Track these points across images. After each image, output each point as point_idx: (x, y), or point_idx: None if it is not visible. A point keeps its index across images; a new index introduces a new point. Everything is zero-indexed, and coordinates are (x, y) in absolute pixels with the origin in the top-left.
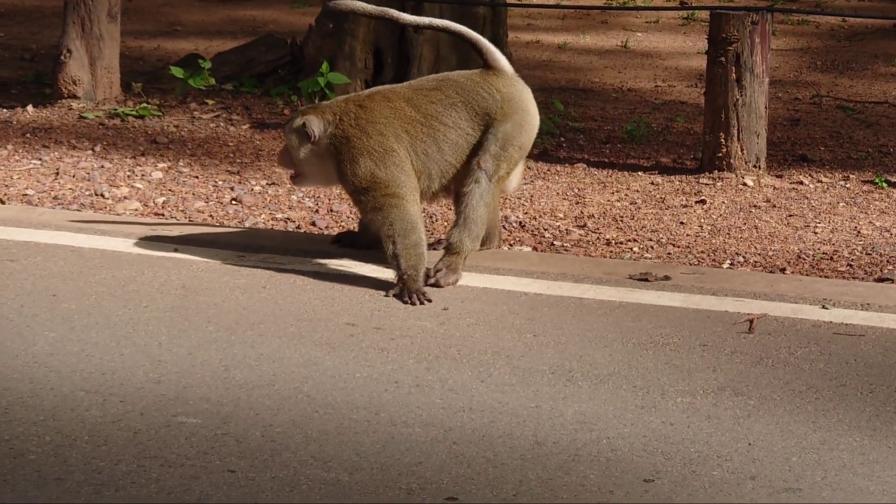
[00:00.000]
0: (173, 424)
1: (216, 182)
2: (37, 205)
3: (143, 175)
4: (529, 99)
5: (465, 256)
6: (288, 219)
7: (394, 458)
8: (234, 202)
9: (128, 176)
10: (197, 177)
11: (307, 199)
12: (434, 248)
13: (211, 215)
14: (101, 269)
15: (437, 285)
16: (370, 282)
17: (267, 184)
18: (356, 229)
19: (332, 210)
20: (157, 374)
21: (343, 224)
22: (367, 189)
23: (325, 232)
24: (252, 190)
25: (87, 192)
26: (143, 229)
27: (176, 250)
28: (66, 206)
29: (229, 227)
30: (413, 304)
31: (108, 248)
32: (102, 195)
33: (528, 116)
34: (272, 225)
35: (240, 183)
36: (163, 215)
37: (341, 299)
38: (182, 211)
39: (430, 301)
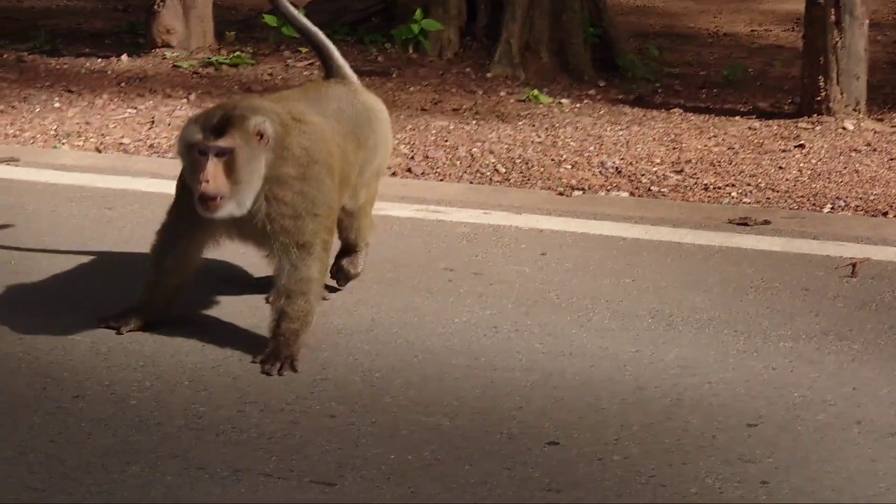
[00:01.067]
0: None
1: None
2: (133, 153)
3: None
4: (384, 110)
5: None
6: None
7: (494, 402)
8: None
9: None
10: None
11: (403, 146)
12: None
13: None
14: None
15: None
16: (468, 227)
17: None
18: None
19: (428, 157)
20: (256, 320)
21: (439, 171)
22: (311, 218)
23: (421, 178)
24: None
25: None
26: None
27: None
28: (161, 155)
29: None
30: (277, 374)
31: None
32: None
33: (388, 130)
34: None
35: None
36: None
37: (438, 245)
38: None
39: (296, 371)
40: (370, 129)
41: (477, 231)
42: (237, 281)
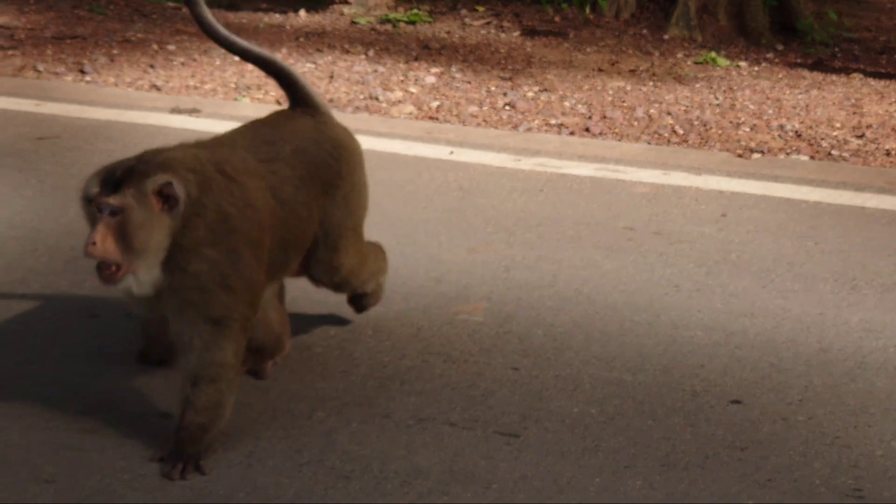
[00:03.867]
0: (455, 322)
1: (489, 87)
2: None
3: (416, 79)
4: (360, 147)
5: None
6: (561, 125)
7: (676, 360)
8: (507, 107)
9: (401, 80)
10: (469, 82)
11: (580, 106)
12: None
13: (485, 120)
14: (378, 171)
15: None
16: (647, 186)
17: (539, 90)
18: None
19: (606, 116)
20: (438, 273)
21: (617, 131)
22: (224, 290)
23: (599, 138)
24: (525, 95)
25: (361, 96)
26: (418, 132)
27: (452, 153)
28: (341, 109)
29: (504, 131)
30: (179, 478)
31: (386, 150)
32: (377, 98)
33: (363, 172)
34: (545, 130)
35: (512, 89)
36: (437, 119)
37: (618, 203)
38: (456, 115)
39: (203, 474)
40: (337, 173)
41: (657, 191)
42: (418, 235)
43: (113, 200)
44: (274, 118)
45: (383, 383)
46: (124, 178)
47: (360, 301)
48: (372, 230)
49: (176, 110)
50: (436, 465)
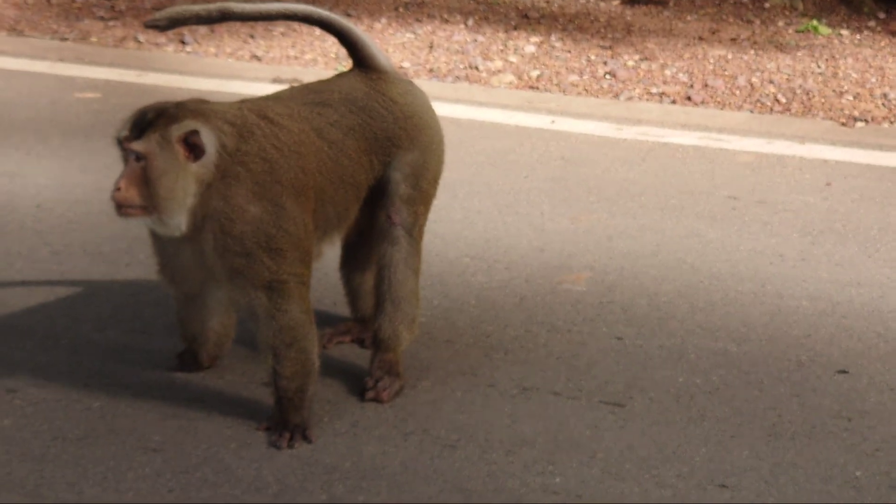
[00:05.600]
0: (558, 292)
1: (588, 57)
2: (413, 77)
3: (515, 49)
4: (431, 109)
5: (403, 349)
6: (662, 94)
7: (781, 329)
8: (607, 76)
9: (501, 50)
10: (569, 51)
11: (681, 74)
12: (341, 340)
13: (585, 89)
14: (479, 140)
15: (378, 400)
16: (751, 155)
17: (639, 59)
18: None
19: (707, 85)
20: (541, 243)
21: (719, 100)
22: (268, 254)
23: (701, 107)
24: (625, 64)
25: (461, 65)
26: (518, 101)
27: (553, 122)
28: (441, 79)
29: (605, 100)
30: (286, 447)
31: (486, 119)
32: (477, 68)
33: (435, 134)
34: (646, 99)
35: (612, 57)
36: (537, 88)
37: (721, 173)
38: (556, 84)
39: (310, 442)
40: (397, 133)
41: (760, 160)
42: (520, 205)
43: (136, 146)
44: (331, 77)
45: (487, 353)
46: (152, 123)
47: (383, 372)
48: (473, 200)
49: (277, 80)
50: (541, 434)
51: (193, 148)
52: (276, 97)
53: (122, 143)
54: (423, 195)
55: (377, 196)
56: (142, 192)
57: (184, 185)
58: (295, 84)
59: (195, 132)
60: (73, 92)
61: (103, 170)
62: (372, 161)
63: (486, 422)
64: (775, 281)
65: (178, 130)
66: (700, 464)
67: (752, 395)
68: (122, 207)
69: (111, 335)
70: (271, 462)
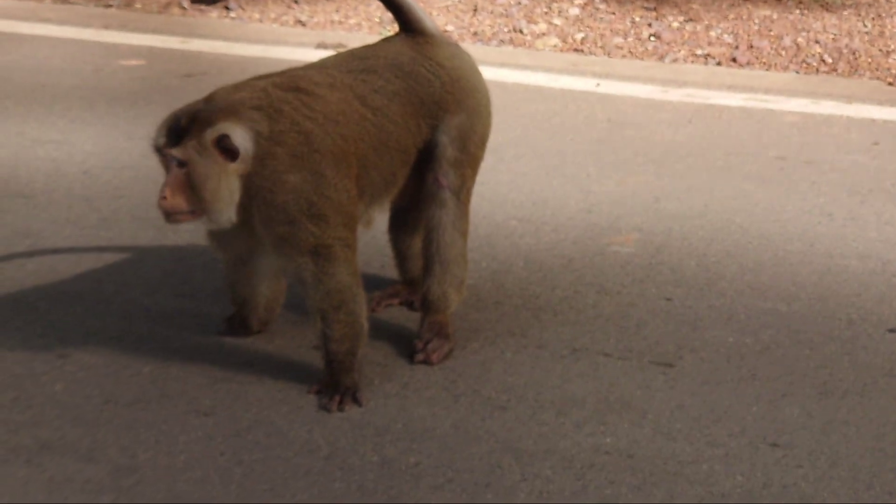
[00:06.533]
0: (607, 253)
1: (633, 18)
2: (457, 41)
3: (559, 11)
4: (477, 72)
5: (452, 311)
6: (708, 55)
7: (831, 289)
8: (652, 38)
9: (545, 12)
10: (613, 13)
11: (726, 35)
12: (390, 303)
13: (630, 51)
14: (524, 103)
15: (427, 362)
16: (797, 116)
17: (684, 20)
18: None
19: (753, 46)
20: (588, 205)
21: (765, 61)
22: (311, 220)
23: (747, 68)
24: (670, 26)
25: (505, 29)
26: (563, 64)
27: (598, 85)
28: (485, 42)
29: (650, 62)
30: (337, 410)
31: (531, 82)
32: (521, 31)
33: (482, 97)
34: (692, 61)
35: (657, 19)
36: (581, 51)
37: (769, 133)
38: (601, 47)
39: (360, 405)
40: (444, 96)
41: (807, 120)
42: (567, 167)
43: (176, 153)
44: (375, 42)
45: (536, 314)
46: (187, 128)
47: (433, 334)
48: (520, 162)
49: (322, 45)
50: (591, 394)
51: (228, 150)
52: (319, 65)
53: (160, 150)
54: (470, 158)
55: (425, 160)
56: (188, 197)
57: (227, 184)
58: (340, 49)
59: (225, 136)
60: (118, 59)
61: (149, 136)
62: (419, 125)
63: (536, 383)
64: (824, 240)
65: (211, 135)
66: (751, 423)
67: (802, 354)
68: (170, 215)
69: (160, 300)
70: (322, 424)
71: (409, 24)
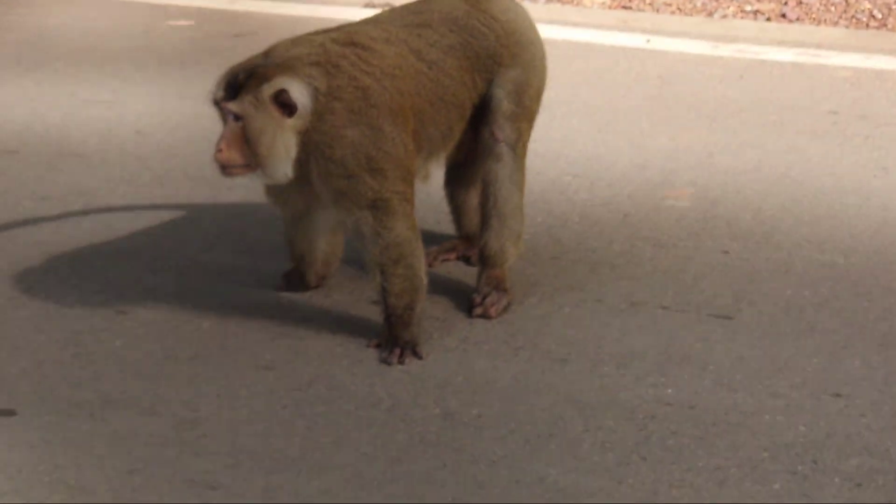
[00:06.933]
0: (662, 207)
1: None
2: None
3: None
4: (532, 26)
5: (510, 265)
6: (757, 11)
7: (888, 241)
8: None
9: None
10: None
11: None
12: (447, 258)
13: (679, 8)
14: (575, 60)
15: (486, 316)
16: (849, 70)
17: None
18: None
19: (802, 2)
20: (642, 160)
21: (814, 16)
22: (370, 174)
23: (795, 23)
24: None
25: None
26: (612, 21)
27: (648, 41)
28: (533, 1)
29: (699, 18)
30: (398, 363)
31: (581, 39)
32: None
33: (537, 50)
34: (741, 17)
35: None
36: (630, 8)
37: (821, 88)
38: (649, 4)
39: (420, 358)
40: (498, 49)
41: (859, 75)
42: (619, 123)
43: (232, 107)
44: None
45: (593, 268)
46: (245, 83)
47: (490, 288)
48: (572, 119)
49: (370, 4)
50: (651, 347)
51: (285, 106)
52: (374, 20)
53: (217, 103)
54: (525, 112)
55: (480, 114)
56: (243, 151)
57: (283, 140)
58: (387, 7)
59: (283, 91)
60: (166, 20)
61: (200, 96)
62: (474, 79)
63: (595, 336)
64: (880, 194)
65: (268, 90)
66: (812, 374)
67: (861, 307)
68: (225, 168)
69: (217, 257)
70: (383, 378)
71: None
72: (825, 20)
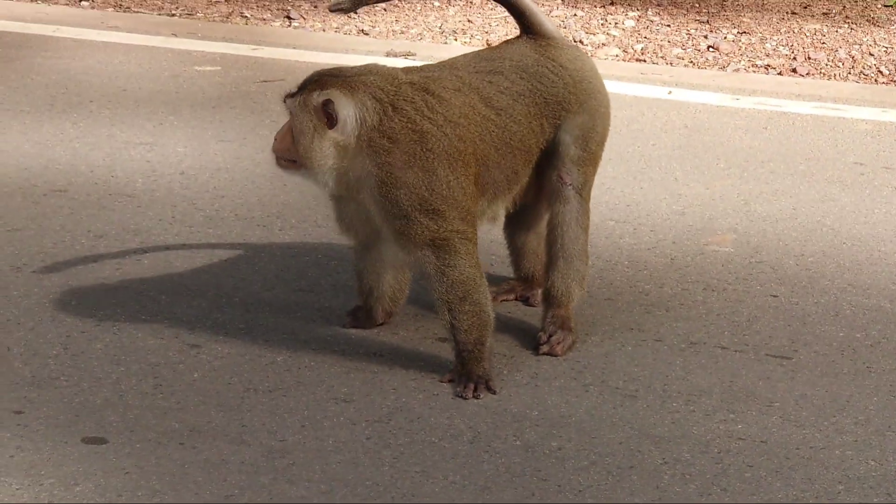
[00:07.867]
0: (706, 252)
1: (688, 30)
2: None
3: (615, 23)
4: (598, 74)
5: (575, 305)
6: (768, 66)
7: None
8: (710, 49)
9: (601, 24)
10: (668, 25)
11: (781, 48)
12: (505, 299)
13: (691, 62)
14: None
15: (552, 353)
16: (869, 124)
17: (738, 32)
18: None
19: (810, 57)
20: (680, 207)
21: (823, 71)
22: (425, 215)
23: (806, 78)
24: (725, 38)
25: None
26: (631, 73)
27: (670, 93)
28: None
29: (713, 71)
30: (473, 397)
31: None
32: (581, 42)
33: (603, 98)
34: (753, 71)
35: (711, 31)
36: (644, 61)
37: (843, 140)
38: (661, 57)
39: (494, 393)
40: (566, 97)
41: (879, 128)
42: (653, 171)
43: (287, 103)
44: (500, 44)
45: (648, 310)
46: (303, 85)
47: (556, 326)
48: (606, 166)
49: (391, 53)
50: (715, 384)
51: (329, 116)
52: (451, 65)
53: (284, 97)
54: (591, 156)
55: (547, 159)
56: (290, 146)
57: (320, 147)
58: (409, 56)
59: (328, 101)
60: (192, 65)
61: (238, 139)
62: (542, 125)
63: (660, 373)
64: None
65: (317, 97)
66: (875, 412)
67: None
68: (277, 158)
69: (280, 294)
70: (461, 411)
71: (531, 28)
72: (835, 75)
